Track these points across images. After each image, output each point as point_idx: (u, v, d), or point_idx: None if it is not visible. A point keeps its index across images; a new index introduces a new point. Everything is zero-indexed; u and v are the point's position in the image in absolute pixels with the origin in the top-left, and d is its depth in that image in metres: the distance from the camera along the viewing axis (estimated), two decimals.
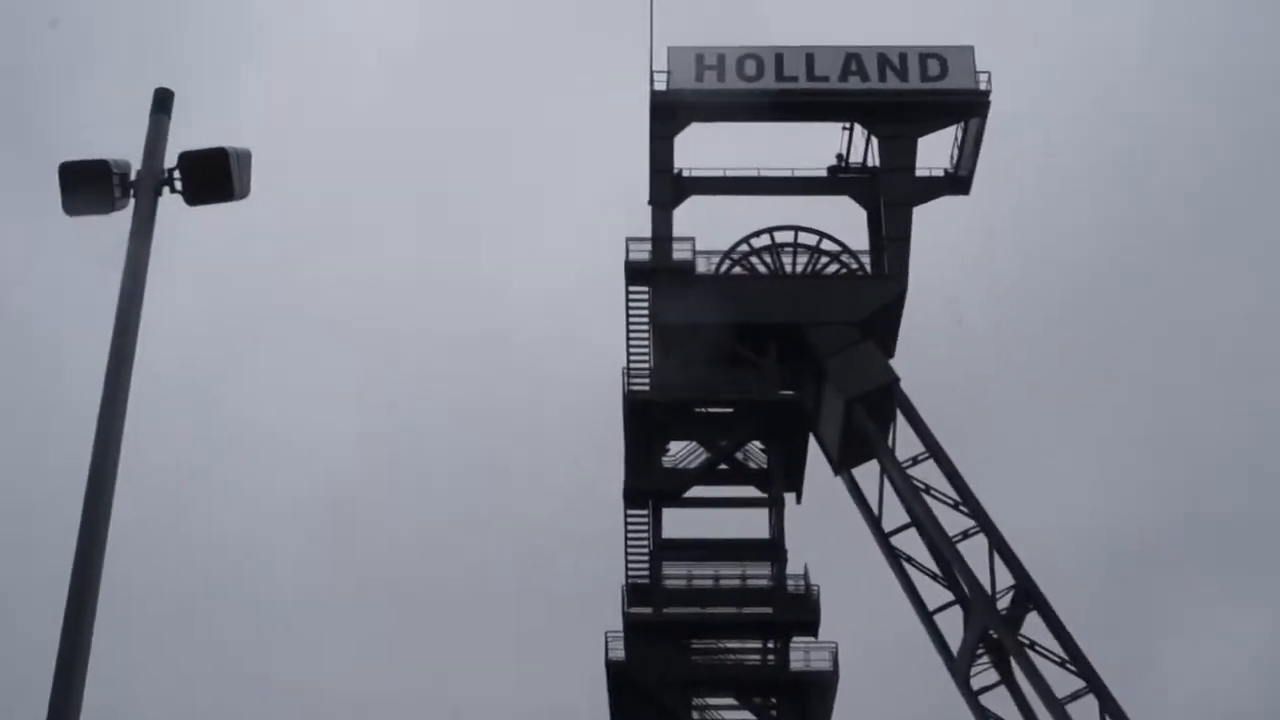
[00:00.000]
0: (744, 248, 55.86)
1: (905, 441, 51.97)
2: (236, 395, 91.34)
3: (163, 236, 14.67)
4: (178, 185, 14.88)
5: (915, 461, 51.54)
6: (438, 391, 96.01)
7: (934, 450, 51.21)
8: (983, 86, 54.92)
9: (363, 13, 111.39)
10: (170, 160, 14.98)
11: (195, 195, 14.96)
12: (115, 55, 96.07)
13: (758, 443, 56.19)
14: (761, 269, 55.87)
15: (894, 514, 51.86)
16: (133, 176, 14.81)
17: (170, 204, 14.95)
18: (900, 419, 52.11)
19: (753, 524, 55.36)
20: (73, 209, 14.74)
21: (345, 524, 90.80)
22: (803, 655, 52.89)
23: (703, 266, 54.93)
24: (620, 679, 52.26)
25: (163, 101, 15.34)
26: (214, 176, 14.94)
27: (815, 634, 52.80)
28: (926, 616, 50.43)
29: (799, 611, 52.69)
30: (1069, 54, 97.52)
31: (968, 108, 55.18)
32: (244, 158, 15.19)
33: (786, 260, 55.89)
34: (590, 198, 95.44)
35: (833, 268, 55.78)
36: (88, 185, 14.62)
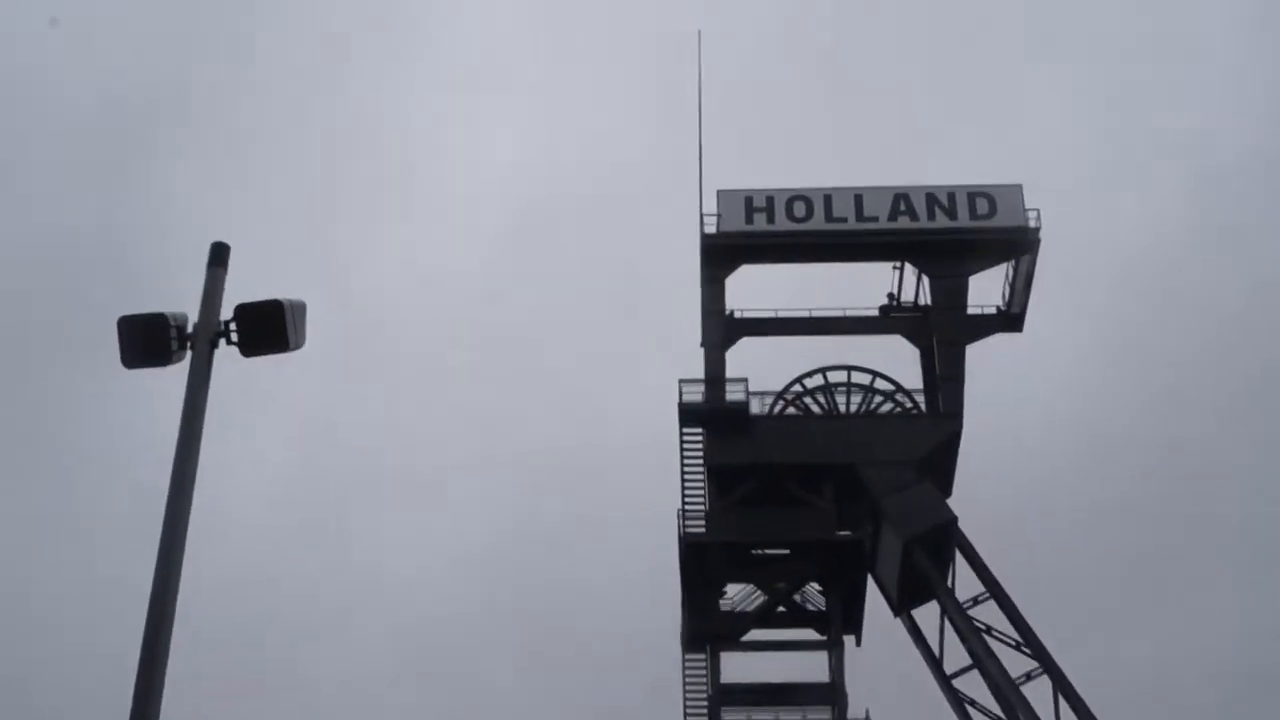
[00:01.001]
0: (797, 388, 55.86)
1: (965, 581, 51.47)
2: (339, 538, 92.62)
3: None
4: (234, 337, 15.01)
5: (976, 602, 50.94)
6: (493, 541, 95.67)
7: (994, 590, 50.59)
8: (1032, 224, 55.00)
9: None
10: (227, 312, 15.13)
11: (251, 347, 15.07)
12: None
13: (816, 585, 55.64)
14: (816, 409, 55.76)
15: (955, 655, 51.13)
16: (189, 329, 14.94)
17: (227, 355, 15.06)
18: (959, 558, 51.60)
19: (812, 667, 54.61)
20: (131, 362, 14.86)
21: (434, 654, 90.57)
22: None
23: (756, 407, 54.88)
24: None
25: (219, 254, 15.50)
26: (269, 328, 15.06)
27: None
28: None
29: None
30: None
31: (1018, 245, 55.22)
32: (299, 309, 15.29)
33: (840, 400, 55.85)
34: (645, 339, 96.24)
35: (887, 407, 55.63)
36: (145, 338, 14.76)
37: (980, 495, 59.72)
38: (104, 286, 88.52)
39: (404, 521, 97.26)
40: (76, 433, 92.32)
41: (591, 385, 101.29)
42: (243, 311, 15.04)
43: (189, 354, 14.81)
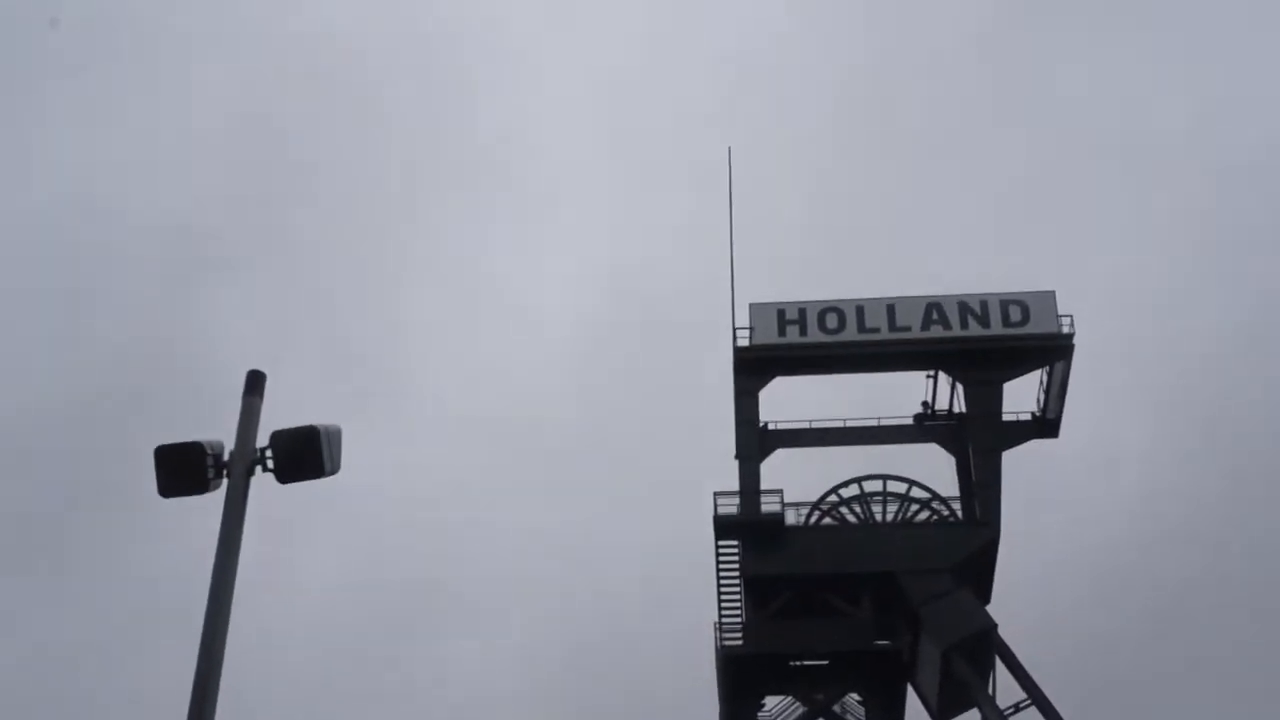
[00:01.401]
0: (833, 498, 55.91)
1: (1006, 688, 51.11)
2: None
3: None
4: (269, 464, 15.26)
5: (1017, 709, 50.45)
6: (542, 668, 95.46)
7: (1036, 697, 50.19)
8: (1066, 330, 55.17)
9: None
10: (262, 439, 15.39)
11: (287, 473, 15.29)
12: None
13: (855, 695, 55.35)
14: (852, 519, 55.75)
15: None
16: (225, 456, 15.21)
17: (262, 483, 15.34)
18: (1000, 665, 51.27)
19: None
20: (168, 491, 15.12)
21: None
22: None
23: (792, 518, 54.89)
24: None
25: (254, 383, 15.75)
26: (305, 454, 15.27)
27: None
28: None
29: None
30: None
31: (1052, 352, 55.36)
32: (334, 435, 15.52)
33: (876, 509, 55.82)
34: (677, 451, 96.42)
35: (923, 515, 55.58)
36: (182, 467, 15.03)
37: (1020, 600, 59.57)
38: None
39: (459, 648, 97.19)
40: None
41: (630, 498, 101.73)
42: (278, 438, 15.27)
43: (225, 482, 15.07)
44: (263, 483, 15.33)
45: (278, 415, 15.53)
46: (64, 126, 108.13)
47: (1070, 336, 55.10)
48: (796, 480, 55.69)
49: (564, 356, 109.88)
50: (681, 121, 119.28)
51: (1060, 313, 55.49)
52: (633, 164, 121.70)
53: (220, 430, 15.47)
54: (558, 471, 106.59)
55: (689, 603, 62.83)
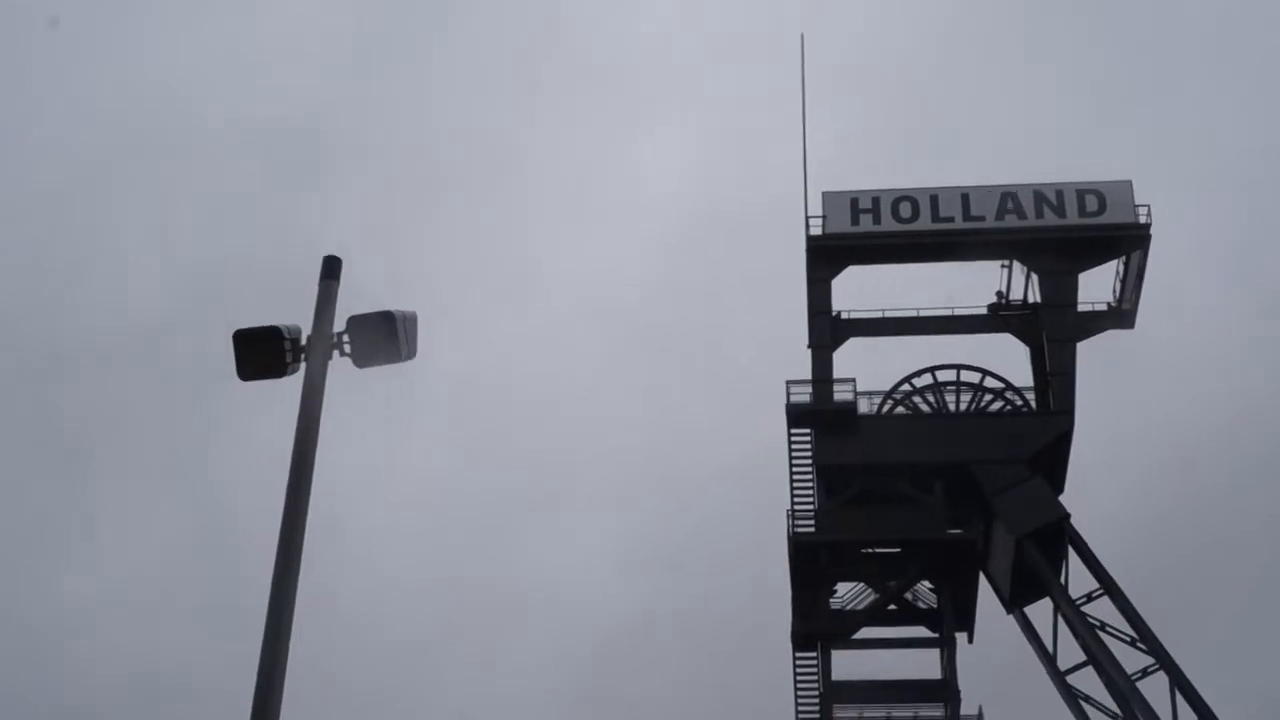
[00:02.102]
0: (906, 387, 55.87)
1: (1078, 578, 51.30)
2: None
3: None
4: (346, 349, 15.46)
5: (1090, 598, 50.78)
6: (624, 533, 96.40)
7: (1108, 586, 50.40)
8: (1142, 219, 54.61)
9: None
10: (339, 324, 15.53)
11: (363, 358, 15.44)
12: None
13: (927, 583, 55.63)
14: (925, 408, 55.75)
15: (1070, 652, 51.01)
16: (303, 341, 15.39)
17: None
18: (1073, 555, 51.42)
19: (924, 665, 54.70)
20: (247, 374, 15.33)
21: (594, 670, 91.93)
22: None
23: (864, 407, 54.97)
24: None
25: (331, 268, 15.81)
26: (382, 339, 15.41)
27: None
28: None
29: None
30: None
31: (1128, 241, 54.85)
32: (410, 320, 15.59)
33: (950, 399, 55.75)
34: (750, 341, 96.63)
35: (997, 405, 55.48)
36: (260, 351, 15.21)
37: (1094, 490, 59.50)
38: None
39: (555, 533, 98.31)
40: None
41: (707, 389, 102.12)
42: (355, 323, 15.37)
43: (303, 366, 15.28)
44: (348, 370, 15.47)
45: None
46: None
47: (1147, 226, 54.54)
48: (869, 370, 55.75)
49: (660, 248, 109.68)
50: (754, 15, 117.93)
51: (1137, 202, 54.94)
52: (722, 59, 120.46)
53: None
54: (651, 361, 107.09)
55: (764, 492, 63.05)
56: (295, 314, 15.42)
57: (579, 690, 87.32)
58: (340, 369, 15.43)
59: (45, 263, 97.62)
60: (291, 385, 15.32)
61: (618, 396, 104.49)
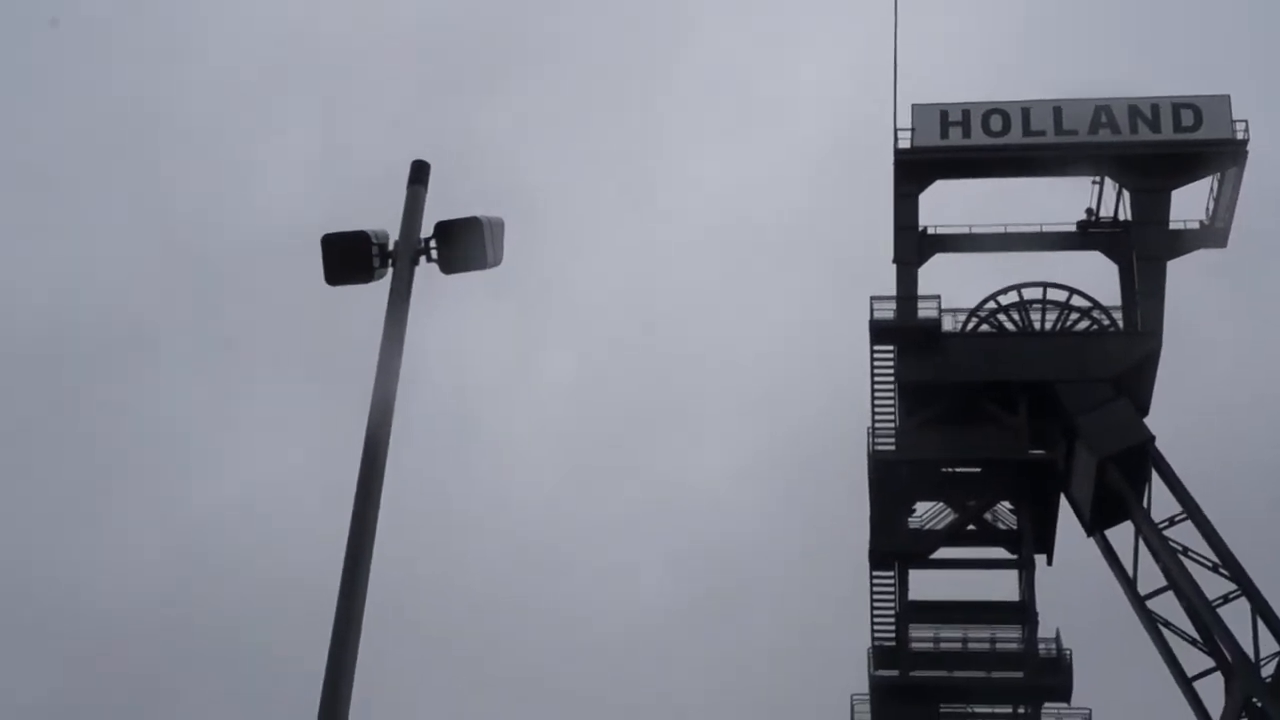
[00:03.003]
0: (991, 305, 55.15)
1: (1161, 502, 50.63)
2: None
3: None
4: (434, 255, 15.21)
5: (1172, 523, 50.12)
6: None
7: (1192, 511, 49.69)
8: (1239, 135, 53.32)
9: None
10: (427, 230, 15.31)
11: (450, 264, 15.23)
12: None
13: (1007, 503, 55.15)
14: (1010, 326, 55.00)
15: (1150, 577, 50.49)
16: (390, 246, 15.17)
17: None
18: (1156, 479, 50.74)
19: (1002, 586, 54.38)
20: (334, 279, 15.17)
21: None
22: None
23: (949, 325, 54.31)
24: None
25: (419, 173, 15.65)
26: (469, 245, 15.21)
27: (1068, 700, 51.53)
28: (1186, 684, 48.78)
29: (1051, 677, 51.42)
30: None
31: (1224, 158, 53.56)
32: (497, 226, 15.40)
33: (1035, 317, 54.99)
34: (834, 252, 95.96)
35: (1083, 324, 54.65)
36: (348, 256, 15.05)
37: (1180, 413, 58.62)
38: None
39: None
40: None
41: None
42: (443, 229, 15.18)
43: (390, 271, 15.07)
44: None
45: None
46: None
47: (1244, 143, 53.21)
48: (955, 287, 54.97)
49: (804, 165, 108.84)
50: None
51: (1235, 118, 53.62)
52: None
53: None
54: (762, 277, 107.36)
55: (848, 408, 62.66)
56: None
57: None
58: (428, 274, 15.23)
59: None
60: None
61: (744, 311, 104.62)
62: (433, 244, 15.17)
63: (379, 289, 15.04)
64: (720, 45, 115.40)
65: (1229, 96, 54.05)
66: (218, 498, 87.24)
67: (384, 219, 15.23)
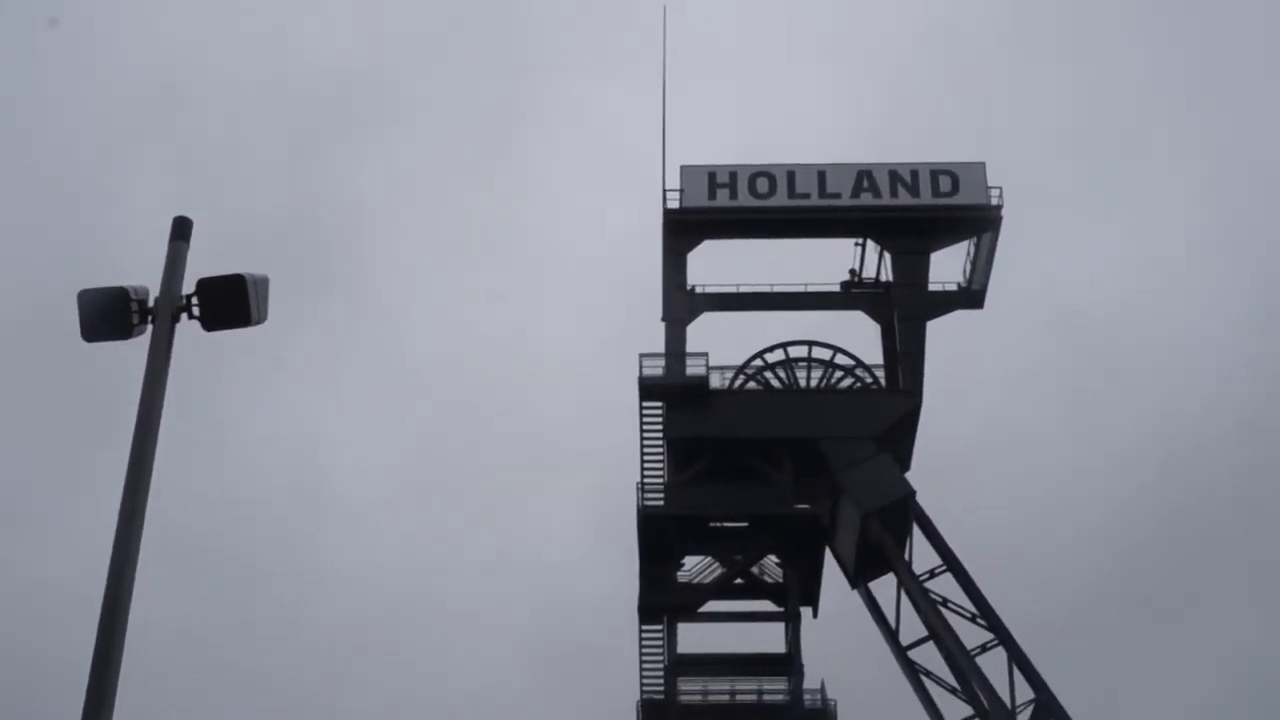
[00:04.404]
0: (758, 362, 56.07)
1: (922, 555, 51.89)
2: None
3: None
4: (195, 311, 15.01)
5: (933, 575, 51.31)
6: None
7: (951, 563, 51.00)
8: (994, 201, 55.22)
9: None
10: (189, 287, 15.10)
11: (212, 321, 15.01)
12: None
13: (773, 557, 55.97)
14: (776, 383, 56.00)
15: (912, 627, 51.61)
16: (150, 303, 14.92)
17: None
18: (917, 532, 51.98)
19: (769, 639, 55.12)
20: (91, 335, 14.83)
21: None
22: None
23: (716, 382, 55.06)
24: None
25: (181, 229, 15.39)
26: (232, 303, 15.02)
27: None
28: None
29: None
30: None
31: (980, 223, 55.44)
32: (261, 284, 15.20)
33: (801, 375, 56.03)
34: (604, 314, 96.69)
35: (847, 382, 55.89)
36: (106, 312, 14.70)
37: (941, 470, 60.16)
38: None
39: None
40: None
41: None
42: (205, 286, 14.93)
43: (150, 328, 14.82)
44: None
45: None
46: None
47: (999, 208, 55.14)
48: (723, 345, 55.80)
49: None
50: None
51: (990, 184, 55.53)
52: None
53: None
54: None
55: (615, 464, 63.07)
56: None
57: None
58: (189, 331, 15.04)
59: None
60: None
61: None
62: (194, 301, 14.99)
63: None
64: None
65: (984, 164, 56.03)
66: None
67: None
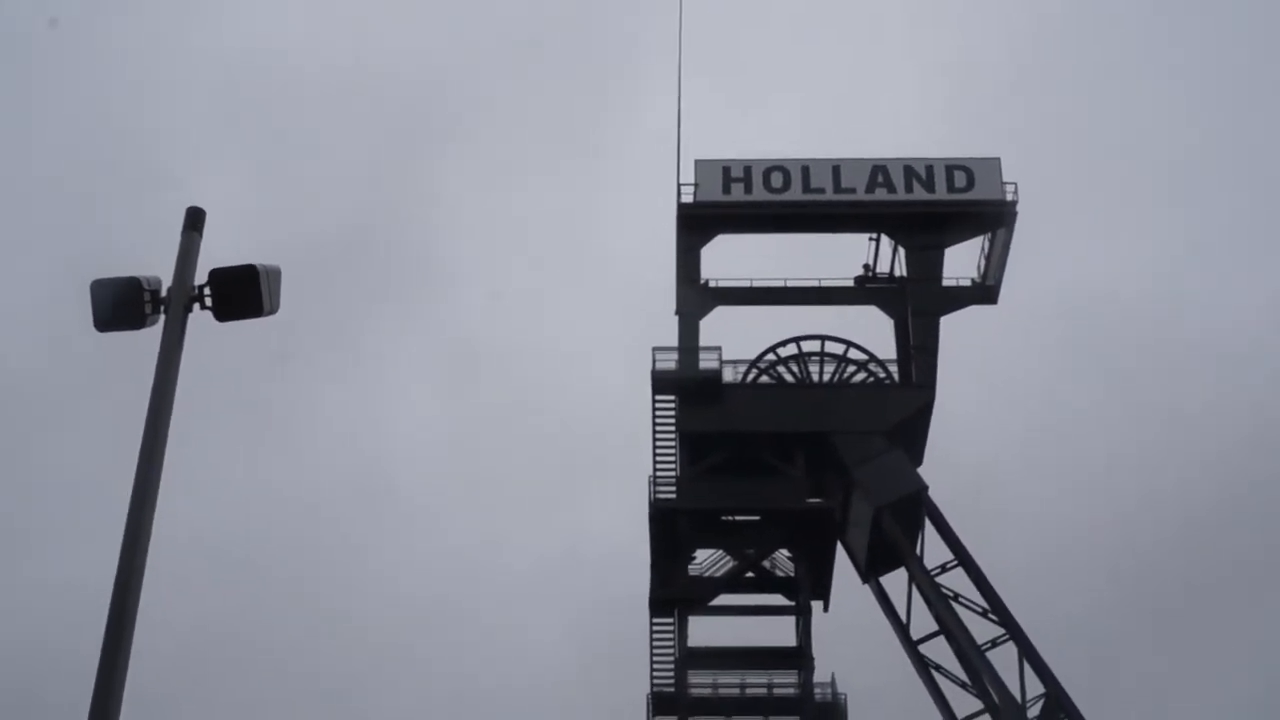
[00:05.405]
0: (771, 357, 56.14)
1: (934, 549, 51.97)
2: None
3: None
4: (208, 301, 15.07)
5: (944, 569, 51.45)
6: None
7: (963, 558, 51.09)
8: (1009, 197, 55.17)
9: None
10: (201, 277, 15.17)
11: (225, 311, 15.03)
12: None
13: (785, 551, 56.04)
14: (789, 378, 56.04)
15: (922, 622, 51.75)
16: (163, 293, 14.99)
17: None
18: (929, 527, 52.05)
19: (780, 632, 55.22)
20: (104, 325, 14.88)
21: None
22: None
23: (729, 376, 55.13)
24: None
25: (194, 219, 15.40)
26: (244, 293, 15.06)
27: None
28: None
29: None
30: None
31: (994, 218, 55.39)
32: (274, 275, 15.23)
33: (814, 369, 56.09)
34: (618, 307, 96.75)
35: (860, 376, 55.93)
36: (119, 302, 14.75)
37: (953, 463, 60.15)
38: None
39: None
40: None
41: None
42: (217, 276, 14.96)
43: (162, 318, 14.90)
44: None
45: None
46: None
47: (1013, 204, 55.09)
48: (736, 339, 55.87)
49: None
50: None
51: (1005, 179, 55.50)
52: None
53: None
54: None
55: (625, 456, 63.20)
56: None
57: None
58: (201, 321, 15.11)
59: None
60: None
61: None
62: (206, 291, 15.06)
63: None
64: None
65: (999, 159, 55.98)
66: None
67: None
